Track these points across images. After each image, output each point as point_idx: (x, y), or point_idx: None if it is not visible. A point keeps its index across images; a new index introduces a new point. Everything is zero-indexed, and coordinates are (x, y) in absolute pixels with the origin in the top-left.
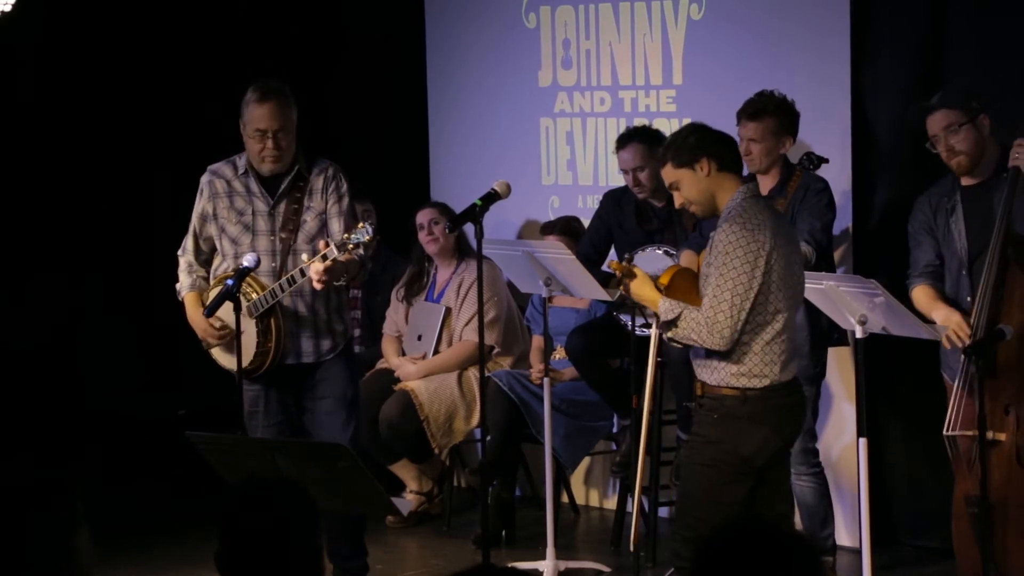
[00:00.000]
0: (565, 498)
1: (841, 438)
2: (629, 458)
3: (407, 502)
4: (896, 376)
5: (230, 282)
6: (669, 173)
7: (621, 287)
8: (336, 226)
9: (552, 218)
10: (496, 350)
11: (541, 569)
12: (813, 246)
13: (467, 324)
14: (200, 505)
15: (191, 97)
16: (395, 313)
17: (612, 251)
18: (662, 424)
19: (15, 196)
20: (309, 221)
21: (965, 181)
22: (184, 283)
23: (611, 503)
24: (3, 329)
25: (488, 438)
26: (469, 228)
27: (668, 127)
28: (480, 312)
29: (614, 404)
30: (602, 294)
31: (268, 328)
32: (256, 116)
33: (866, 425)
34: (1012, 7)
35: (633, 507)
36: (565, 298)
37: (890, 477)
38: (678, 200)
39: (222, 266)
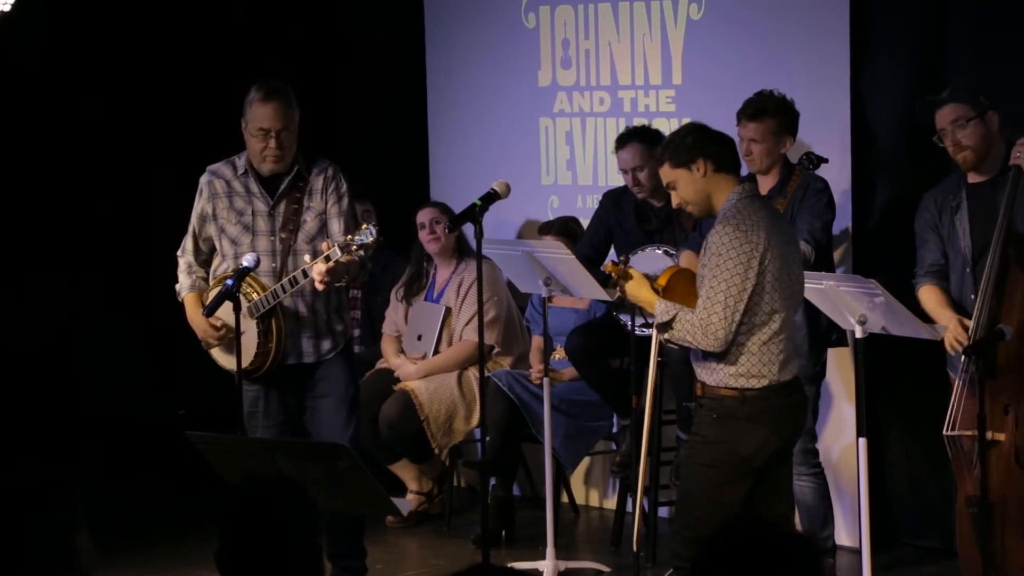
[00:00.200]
0: (565, 498)
1: (841, 438)
2: (629, 458)
3: (407, 502)
4: (896, 376)
5: (230, 282)
6: (666, 172)
7: (617, 288)
8: (336, 226)
9: (552, 218)
10: (496, 350)
11: (541, 569)
12: (812, 246)
13: (467, 324)
14: (200, 505)
15: (191, 97)
16: (395, 313)
17: (612, 251)
18: (662, 424)
19: (15, 196)
20: (309, 221)
21: (971, 178)
22: (184, 284)
23: (611, 503)
24: (3, 329)
25: (488, 438)
26: (469, 228)
27: (667, 127)
28: (480, 312)
29: (614, 404)
30: (602, 294)
31: (269, 329)
32: (259, 115)
33: (866, 425)
34: (1012, 7)
35: (635, 507)
36: (565, 298)
37: (890, 477)
38: (675, 199)
39: (222, 266)
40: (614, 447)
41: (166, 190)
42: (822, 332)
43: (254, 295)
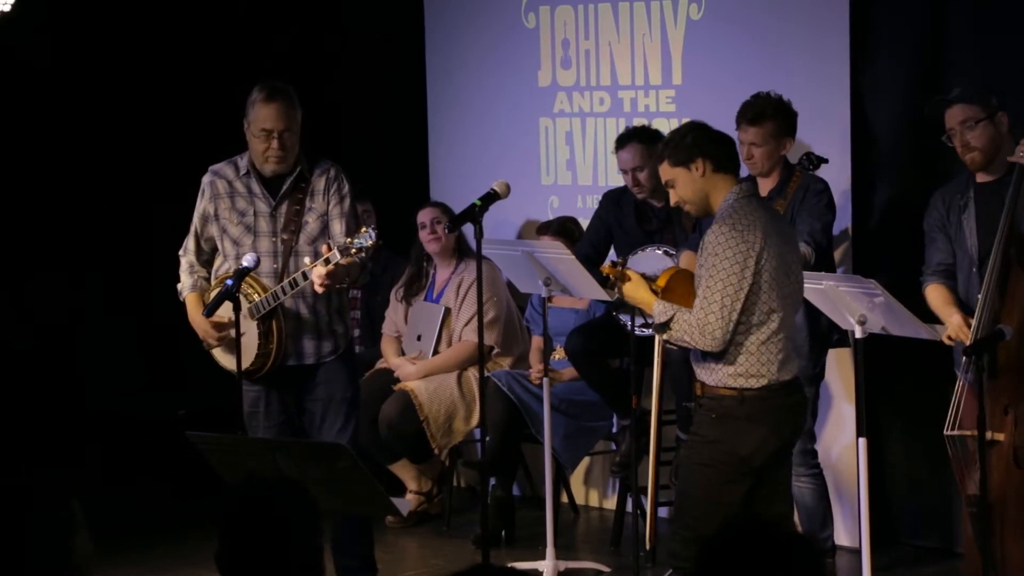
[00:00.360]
0: (565, 498)
1: (841, 438)
2: (629, 458)
3: (407, 502)
4: (896, 376)
5: (230, 282)
6: (665, 170)
7: (616, 290)
8: (337, 227)
9: (552, 218)
10: (496, 350)
11: (541, 569)
12: (812, 247)
13: (466, 324)
14: (200, 505)
15: (191, 97)
16: (394, 313)
17: (612, 251)
18: (662, 424)
19: (15, 196)
20: (311, 222)
21: (980, 178)
22: (185, 283)
23: (611, 503)
24: (3, 329)
25: (488, 438)
26: (469, 228)
27: (667, 127)
28: (480, 312)
29: (614, 404)
30: (602, 294)
31: (270, 330)
32: (262, 116)
33: (866, 425)
34: (1012, 7)
35: (647, 507)
36: (565, 298)
37: (890, 477)
38: (673, 198)
39: (223, 267)
40: (614, 447)
41: (166, 190)
42: (823, 333)
43: (255, 296)
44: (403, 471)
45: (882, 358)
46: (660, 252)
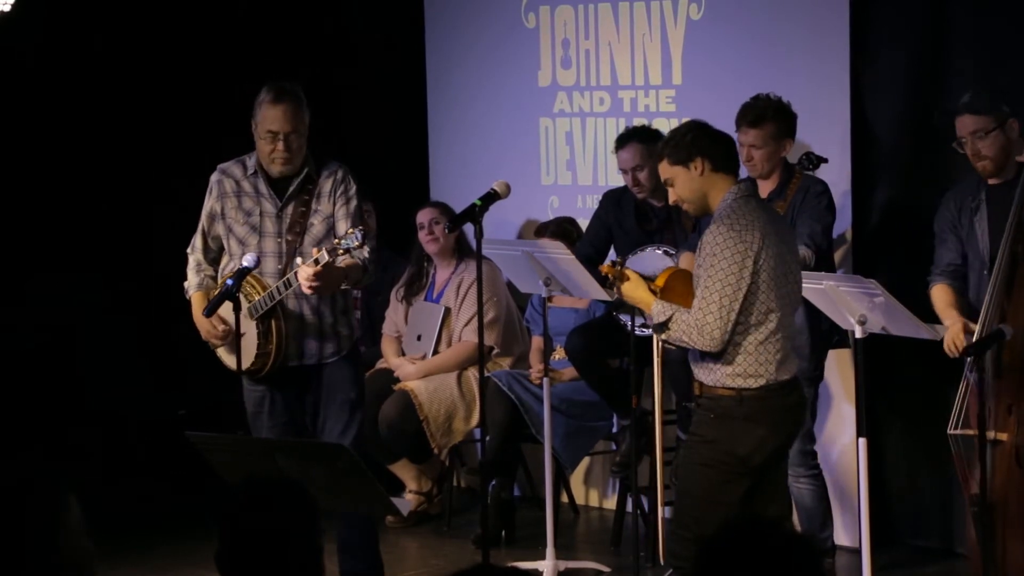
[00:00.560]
0: (565, 498)
1: (841, 438)
2: (629, 458)
3: (407, 502)
4: (896, 376)
5: (230, 282)
6: (664, 169)
7: (615, 290)
8: (343, 228)
9: (552, 218)
10: (496, 350)
11: (541, 569)
12: (812, 249)
13: (466, 324)
14: (200, 505)
15: (191, 97)
16: (394, 313)
17: (612, 251)
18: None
19: (15, 196)
20: (316, 224)
21: (991, 180)
22: (192, 282)
23: (611, 503)
24: (3, 329)
25: (488, 438)
26: (469, 228)
27: (667, 127)
28: (480, 312)
29: (614, 404)
30: (602, 294)
31: (269, 330)
32: (269, 117)
33: (866, 425)
34: (1012, 7)
35: (659, 507)
36: (565, 298)
37: (890, 477)
38: (671, 196)
39: (229, 266)
40: (614, 447)
41: (166, 190)
42: (823, 334)
43: (255, 296)
44: (403, 471)
45: (882, 358)
46: (660, 252)
